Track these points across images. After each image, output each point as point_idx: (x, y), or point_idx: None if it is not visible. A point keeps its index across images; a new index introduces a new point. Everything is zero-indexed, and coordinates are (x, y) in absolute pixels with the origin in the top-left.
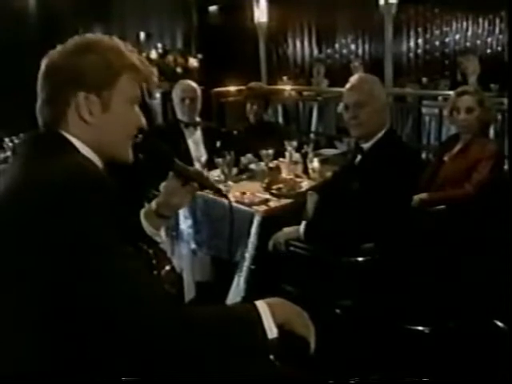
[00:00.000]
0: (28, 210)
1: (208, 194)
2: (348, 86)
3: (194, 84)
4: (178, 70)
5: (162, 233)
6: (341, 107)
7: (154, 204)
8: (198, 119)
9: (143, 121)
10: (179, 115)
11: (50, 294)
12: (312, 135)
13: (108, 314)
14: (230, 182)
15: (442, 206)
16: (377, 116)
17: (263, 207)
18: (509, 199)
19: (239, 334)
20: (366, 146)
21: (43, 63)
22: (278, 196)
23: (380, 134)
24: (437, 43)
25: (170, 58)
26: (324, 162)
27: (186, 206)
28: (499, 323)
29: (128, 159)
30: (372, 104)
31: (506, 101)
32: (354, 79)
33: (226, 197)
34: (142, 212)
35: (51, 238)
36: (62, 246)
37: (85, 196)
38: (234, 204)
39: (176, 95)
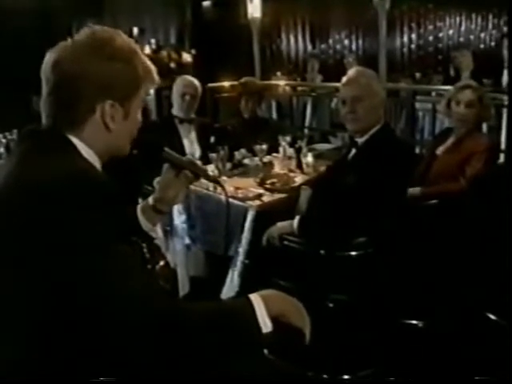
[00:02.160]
0: (25, 208)
1: (202, 189)
2: (345, 80)
3: (196, 82)
4: (172, 65)
5: (158, 229)
6: (335, 102)
7: (150, 200)
8: (192, 116)
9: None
10: (176, 110)
11: (45, 293)
12: (306, 130)
13: (104, 312)
14: (223, 177)
15: (435, 200)
16: (374, 111)
17: (257, 202)
18: (508, 194)
19: (233, 329)
20: (360, 140)
21: (52, 61)
22: (272, 191)
23: (375, 129)
24: (430, 38)
25: (164, 53)
26: (318, 156)
27: (182, 199)
28: (492, 316)
29: (126, 153)
30: (370, 98)
31: (499, 96)
32: (351, 73)
33: (220, 184)
34: (139, 207)
35: (48, 236)
36: (57, 244)
37: (83, 196)
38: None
39: (177, 90)
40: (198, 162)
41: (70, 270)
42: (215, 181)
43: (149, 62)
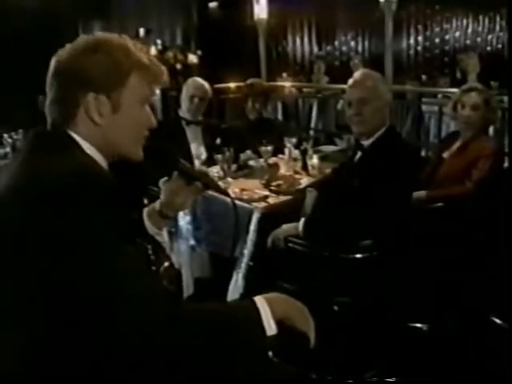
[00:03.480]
0: (29, 207)
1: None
2: (351, 82)
3: (207, 85)
4: (178, 66)
5: (165, 233)
6: (341, 104)
7: (157, 204)
8: (200, 118)
9: (154, 121)
10: (183, 111)
11: (49, 293)
12: (311, 132)
13: (107, 312)
14: (229, 179)
15: (441, 204)
16: (380, 113)
17: (262, 204)
18: (508, 197)
19: (237, 331)
20: (366, 142)
21: (52, 62)
22: (277, 193)
23: (381, 131)
24: (437, 40)
25: (170, 54)
26: (323, 158)
27: (190, 206)
28: (497, 320)
29: (139, 158)
30: (376, 101)
31: (505, 98)
32: (357, 75)
33: (230, 197)
34: (145, 211)
35: (51, 235)
36: (62, 243)
37: (87, 194)
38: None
39: (187, 91)
40: (210, 173)
41: (72, 268)
42: (225, 193)
43: (145, 56)
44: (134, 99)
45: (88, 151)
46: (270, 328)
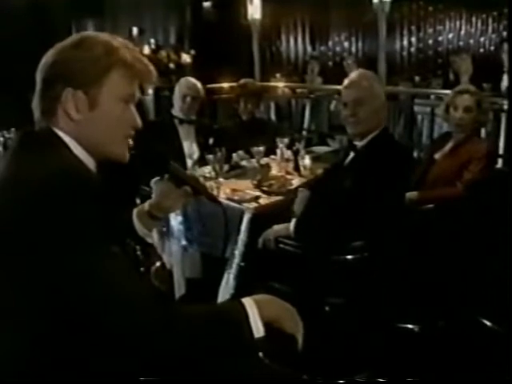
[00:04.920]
0: (16, 208)
1: None
2: (347, 82)
3: (199, 84)
4: (171, 65)
5: (154, 234)
6: (334, 105)
7: (146, 205)
8: (193, 117)
9: (139, 121)
10: (176, 110)
11: (41, 293)
12: (304, 132)
13: (95, 314)
14: (220, 179)
15: (432, 205)
16: (375, 114)
17: (253, 204)
18: (508, 200)
19: (225, 334)
20: (359, 144)
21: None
22: (269, 193)
23: (375, 133)
24: (430, 42)
25: (163, 53)
26: (316, 159)
27: (179, 208)
28: (487, 322)
29: (123, 159)
30: (371, 101)
31: (498, 100)
32: (353, 76)
33: (219, 203)
34: (135, 212)
35: (37, 237)
36: (48, 244)
37: (72, 196)
38: (225, 201)
39: (179, 90)
40: (202, 174)
41: (59, 269)
42: (214, 199)
43: (130, 54)
44: (113, 96)
45: (75, 150)
46: (258, 330)
